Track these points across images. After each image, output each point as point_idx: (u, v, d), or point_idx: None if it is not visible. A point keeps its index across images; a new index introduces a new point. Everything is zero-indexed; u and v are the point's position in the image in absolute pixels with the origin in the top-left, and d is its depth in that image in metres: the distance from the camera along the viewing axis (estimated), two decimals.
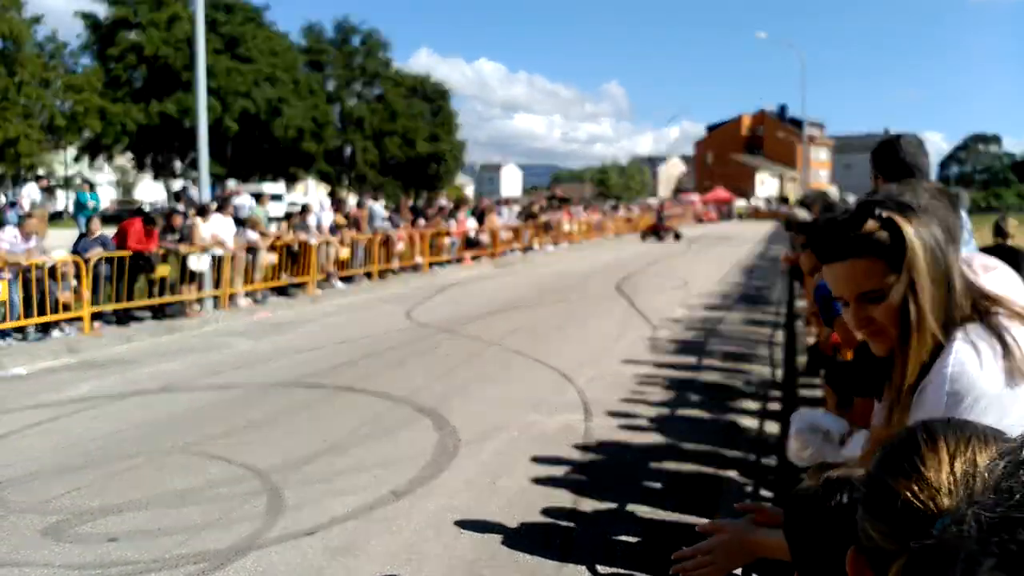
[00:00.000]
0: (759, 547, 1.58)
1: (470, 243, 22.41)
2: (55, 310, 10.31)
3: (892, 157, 3.14)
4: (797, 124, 74.08)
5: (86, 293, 10.64)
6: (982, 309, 1.40)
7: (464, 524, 4.68)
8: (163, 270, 12.04)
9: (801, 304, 10.34)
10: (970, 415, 1.21)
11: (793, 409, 5.98)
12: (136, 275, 11.81)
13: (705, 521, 1.68)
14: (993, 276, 1.78)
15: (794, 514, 1.34)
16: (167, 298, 12.18)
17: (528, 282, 17.80)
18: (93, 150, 41.96)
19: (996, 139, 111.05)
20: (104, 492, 5.13)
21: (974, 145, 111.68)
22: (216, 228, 13.04)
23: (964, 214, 3.31)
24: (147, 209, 15.77)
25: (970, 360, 1.31)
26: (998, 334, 1.33)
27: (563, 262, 23.51)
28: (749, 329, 11.81)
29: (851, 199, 8.03)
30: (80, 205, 18.47)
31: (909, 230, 1.39)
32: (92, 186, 20.34)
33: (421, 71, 62.12)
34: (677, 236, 33.47)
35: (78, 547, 4.36)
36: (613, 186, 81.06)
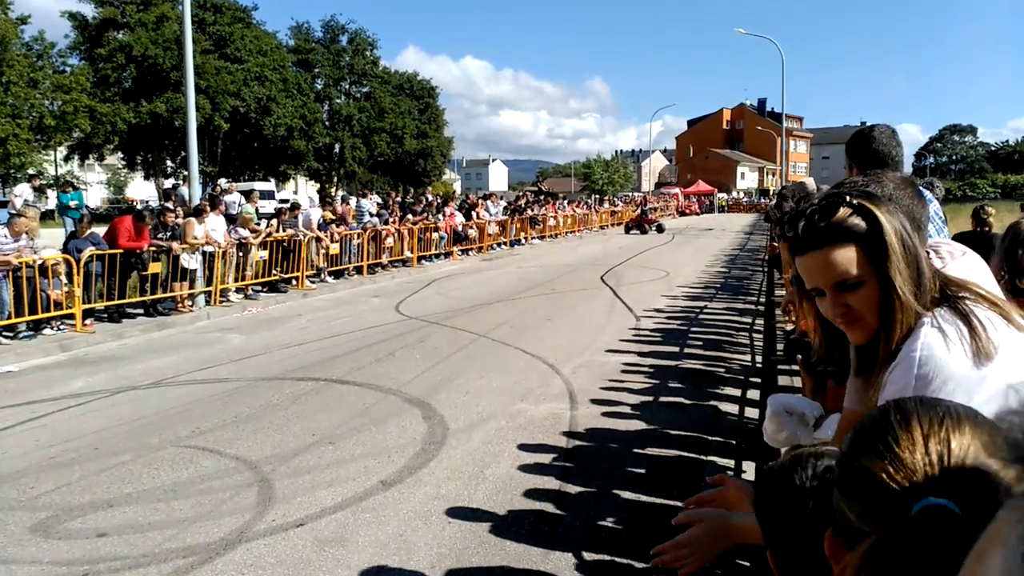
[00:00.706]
0: (736, 533, 1.59)
1: (458, 238, 22.48)
2: (46, 308, 10.33)
3: (865, 148, 3.18)
4: (776, 118, 74.52)
5: (78, 291, 10.67)
6: (949, 293, 1.43)
7: (452, 512, 4.76)
8: (155, 267, 12.08)
9: (780, 293, 10.44)
10: (938, 396, 1.24)
11: (771, 393, 6.09)
12: (128, 272, 11.84)
13: (682, 511, 1.69)
14: (960, 262, 1.84)
15: (764, 489, 1.33)
16: (159, 295, 12.22)
17: (515, 275, 17.87)
18: (83, 150, 41.79)
19: (971, 130, 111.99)
20: (93, 487, 5.18)
21: (949, 136, 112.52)
22: (208, 226, 13.07)
23: (937, 203, 3.39)
24: (140, 207, 15.72)
25: (937, 343, 1.34)
26: (964, 317, 1.36)
27: (549, 255, 23.60)
28: (730, 318, 11.94)
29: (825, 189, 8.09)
30: (63, 206, 18.39)
31: (881, 214, 1.43)
32: (74, 186, 20.21)
33: (408, 69, 62.06)
34: (660, 229, 34.05)
35: (67, 543, 4.40)
36: (597, 180, 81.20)
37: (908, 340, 1.38)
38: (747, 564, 3.92)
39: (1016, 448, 0.40)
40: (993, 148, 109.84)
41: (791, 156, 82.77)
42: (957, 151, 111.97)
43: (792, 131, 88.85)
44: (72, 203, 17.99)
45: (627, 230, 34.52)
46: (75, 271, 10.65)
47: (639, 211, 36.85)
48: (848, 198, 1.46)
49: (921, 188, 2.28)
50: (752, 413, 6.71)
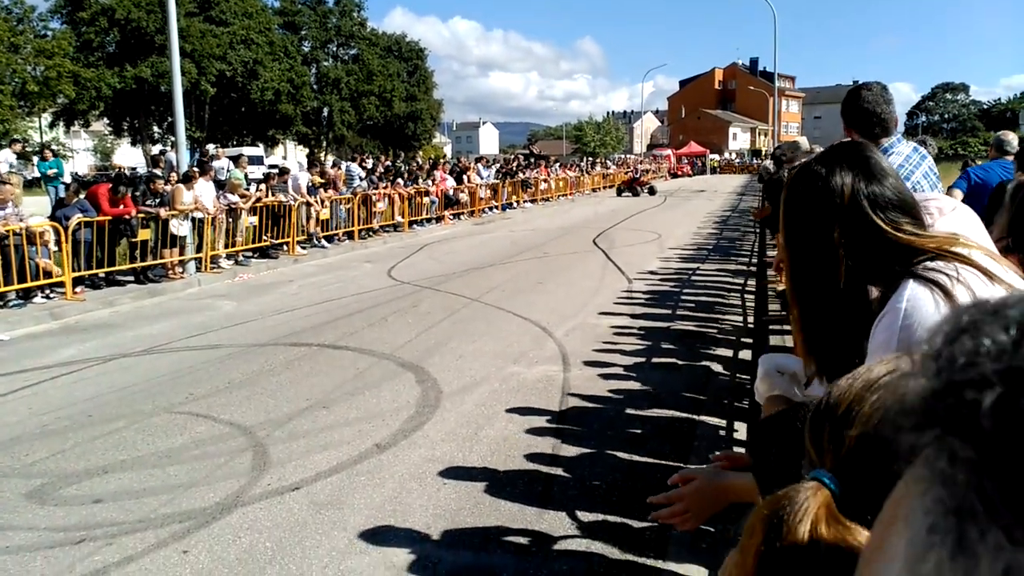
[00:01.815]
0: (730, 491, 1.61)
1: (449, 202, 22.37)
2: (35, 277, 10.27)
3: (854, 106, 3.17)
4: (768, 77, 74.02)
5: (67, 259, 10.60)
6: (930, 250, 1.42)
7: (447, 474, 4.79)
8: (144, 234, 12.00)
9: (772, 254, 10.45)
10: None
11: (763, 353, 6.11)
12: (117, 240, 11.77)
13: (677, 471, 1.70)
14: (950, 218, 1.83)
15: (759, 438, 1.33)
16: (149, 262, 12.16)
17: (506, 239, 17.83)
18: (68, 116, 41.20)
19: (964, 88, 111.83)
20: (88, 454, 5.19)
21: (942, 94, 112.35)
22: (196, 192, 12.97)
23: (930, 160, 3.36)
24: (127, 174, 15.54)
25: (923, 295, 1.34)
26: (945, 275, 1.36)
27: (541, 219, 23.53)
28: (722, 279, 11.96)
29: (818, 150, 8.08)
30: (43, 175, 18.10)
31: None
32: (54, 153, 19.87)
33: (396, 31, 61.26)
34: (652, 191, 34.15)
35: (62, 509, 4.41)
36: (589, 143, 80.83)
37: (894, 294, 1.38)
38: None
39: (916, 414, 0.38)
40: (985, 106, 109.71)
41: (783, 116, 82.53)
42: (949, 109, 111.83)
43: (784, 91, 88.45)
44: (50, 171, 17.73)
45: (619, 192, 34.70)
46: (63, 239, 10.56)
47: (631, 174, 36.93)
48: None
49: (915, 144, 2.26)
50: (744, 373, 6.74)
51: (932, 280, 1.34)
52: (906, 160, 3.14)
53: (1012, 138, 6.69)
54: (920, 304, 1.33)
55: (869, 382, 0.81)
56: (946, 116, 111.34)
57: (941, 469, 0.36)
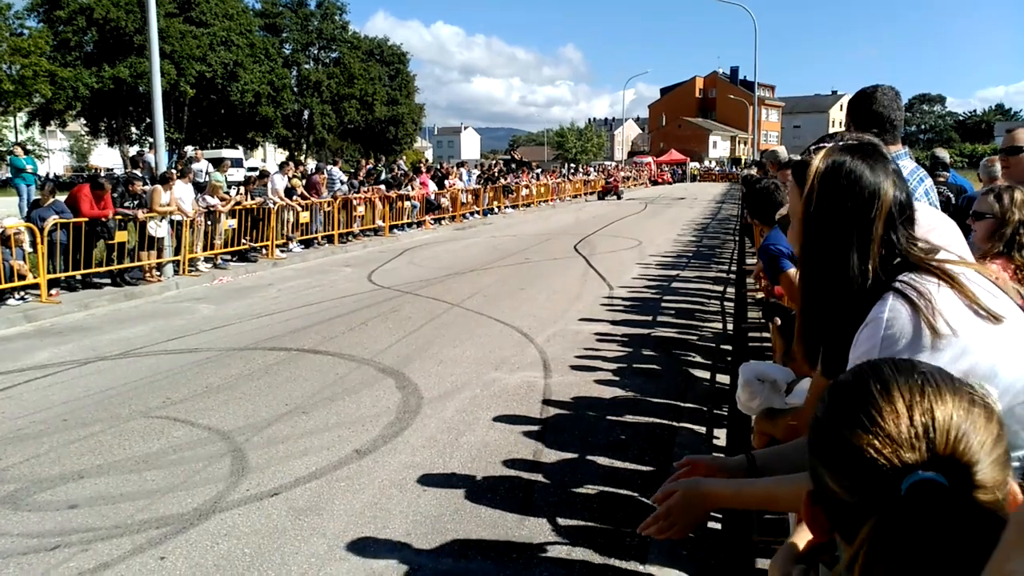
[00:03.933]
0: (710, 499, 1.63)
1: (430, 206, 22.33)
2: (9, 279, 10.12)
3: (866, 108, 3.08)
4: (748, 86, 74.66)
5: (42, 261, 10.46)
6: (920, 262, 1.43)
7: (427, 480, 4.77)
8: (121, 236, 11.87)
9: (751, 261, 10.52)
10: (904, 356, 1.29)
11: (743, 360, 6.15)
12: (94, 242, 11.62)
13: (657, 480, 1.72)
14: (934, 236, 1.86)
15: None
16: (126, 264, 12.03)
17: (488, 244, 17.83)
18: (44, 116, 40.68)
19: (940, 99, 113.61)
20: (63, 459, 5.12)
21: (919, 105, 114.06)
22: (175, 194, 12.86)
23: (930, 181, 3.33)
24: (103, 175, 15.35)
25: (905, 307, 1.36)
26: (924, 293, 1.37)
27: (522, 224, 23.55)
28: (702, 286, 12.02)
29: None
30: (16, 170, 17.83)
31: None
32: (25, 150, 19.59)
33: (379, 35, 61.12)
34: (618, 195, 37.37)
35: (36, 515, 4.34)
36: (571, 149, 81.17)
37: (877, 303, 1.39)
38: (718, 528, 3.99)
39: None
40: (961, 118, 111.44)
41: (763, 125, 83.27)
42: (926, 120, 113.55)
43: (764, 100, 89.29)
44: (28, 167, 17.49)
45: (600, 197, 37.10)
46: (39, 240, 10.43)
47: (612, 182, 39.64)
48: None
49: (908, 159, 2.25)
50: (724, 380, 6.78)
51: (910, 298, 1.36)
52: (911, 174, 3.11)
53: (944, 154, 7.28)
54: (900, 316, 1.35)
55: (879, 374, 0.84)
56: (923, 127, 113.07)
57: None
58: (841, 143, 1.54)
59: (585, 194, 38.91)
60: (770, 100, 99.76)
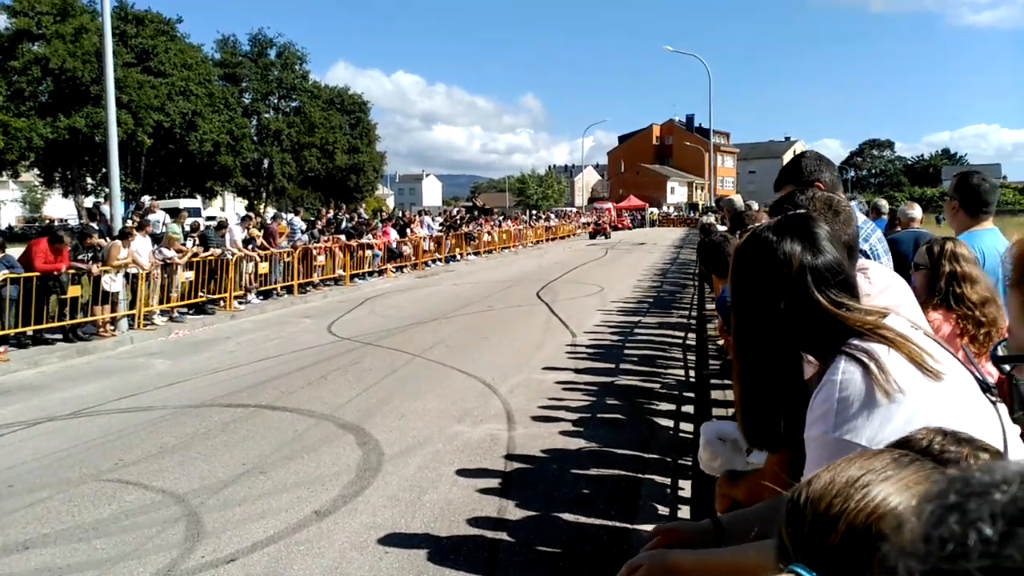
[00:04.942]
0: (678, 569, 1.61)
1: (392, 255, 22.28)
2: None
3: (796, 173, 3.19)
4: (704, 133, 76.48)
5: None
6: (863, 327, 1.45)
7: (389, 541, 4.65)
8: (75, 291, 11.60)
9: (711, 307, 10.63)
10: (858, 420, 1.30)
11: (706, 409, 6.16)
12: (46, 296, 11.33)
13: (622, 534, 1.71)
14: (886, 296, 1.89)
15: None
16: (79, 319, 11.74)
17: (450, 292, 17.79)
18: None
19: (889, 144, 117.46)
20: (7, 528, 4.91)
21: (869, 150, 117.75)
22: (132, 247, 12.65)
23: (880, 232, 3.39)
24: (57, 226, 15.07)
25: (858, 370, 1.37)
26: (875, 353, 1.39)
27: (485, 271, 23.58)
28: (664, 332, 12.08)
29: (754, 205, 8.39)
30: None
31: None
32: None
33: (339, 84, 61.50)
34: (607, 235, 43.81)
35: None
36: (532, 195, 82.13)
37: (829, 367, 1.41)
38: None
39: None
40: (909, 162, 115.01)
41: (719, 171, 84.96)
42: (876, 165, 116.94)
43: (719, 146, 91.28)
44: None
45: (592, 236, 44.38)
46: None
47: (594, 224, 47.57)
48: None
49: (858, 211, 2.30)
50: (688, 428, 6.77)
51: (861, 361, 1.37)
52: (860, 227, 3.18)
53: (883, 203, 7.58)
54: (854, 378, 1.36)
55: (850, 480, 0.82)
56: (873, 171, 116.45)
57: None
58: (764, 223, 1.60)
59: (547, 240, 39.25)
60: (725, 147, 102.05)
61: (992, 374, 3.23)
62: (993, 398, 1.40)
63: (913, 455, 0.90)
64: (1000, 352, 1.86)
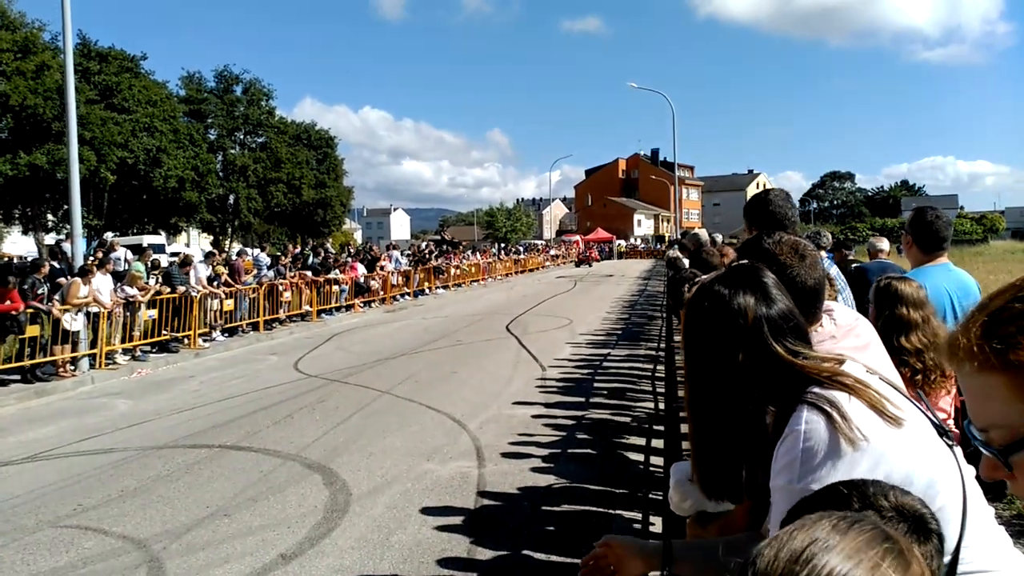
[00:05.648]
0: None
1: (360, 289, 22.14)
2: None
3: (763, 210, 3.24)
4: (669, 167, 77.61)
5: None
6: (822, 375, 1.45)
7: None
8: (33, 330, 11.34)
9: (679, 338, 10.68)
10: (823, 470, 1.30)
11: (676, 442, 6.15)
12: (3, 336, 11.06)
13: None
14: (851, 341, 1.90)
15: None
16: (38, 359, 11.47)
17: (419, 327, 17.69)
18: None
19: (850, 176, 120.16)
20: None
21: (830, 182, 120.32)
22: (93, 285, 12.43)
23: (836, 268, 3.45)
24: (14, 263, 14.74)
25: (820, 419, 1.37)
26: (835, 406, 1.39)
27: (454, 305, 23.51)
28: (633, 365, 12.10)
29: (719, 237, 8.49)
30: None
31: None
32: None
33: (306, 119, 61.53)
34: (589, 264, 51.51)
35: None
36: (501, 228, 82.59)
37: (791, 417, 1.41)
38: None
39: None
40: (870, 193, 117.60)
41: (684, 203, 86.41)
42: (838, 196, 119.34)
43: (684, 180, 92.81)
44: None
45: (577, 264, 51.00)
46: None
47: (580, 253, 54.39)
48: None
49: (814, 250, 2.32)
50: (658, 462, 6.75)
51: (824, 410, 1.37)
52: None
53: (827, 235, 7.90)
54: (817, 427, 1.36)
55: (794, 555, 0.80)
56: (835, 203, 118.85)
57: None
58: (710, 276, 1.62)
59: (515, 272, 39.37)
60: (690, 180, 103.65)
61: (945, 410, 3.29)
62: (949, 441, 1.41)
63: (854, 515, 0.89)
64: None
